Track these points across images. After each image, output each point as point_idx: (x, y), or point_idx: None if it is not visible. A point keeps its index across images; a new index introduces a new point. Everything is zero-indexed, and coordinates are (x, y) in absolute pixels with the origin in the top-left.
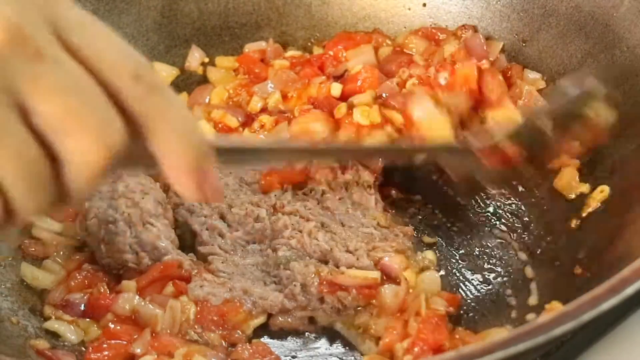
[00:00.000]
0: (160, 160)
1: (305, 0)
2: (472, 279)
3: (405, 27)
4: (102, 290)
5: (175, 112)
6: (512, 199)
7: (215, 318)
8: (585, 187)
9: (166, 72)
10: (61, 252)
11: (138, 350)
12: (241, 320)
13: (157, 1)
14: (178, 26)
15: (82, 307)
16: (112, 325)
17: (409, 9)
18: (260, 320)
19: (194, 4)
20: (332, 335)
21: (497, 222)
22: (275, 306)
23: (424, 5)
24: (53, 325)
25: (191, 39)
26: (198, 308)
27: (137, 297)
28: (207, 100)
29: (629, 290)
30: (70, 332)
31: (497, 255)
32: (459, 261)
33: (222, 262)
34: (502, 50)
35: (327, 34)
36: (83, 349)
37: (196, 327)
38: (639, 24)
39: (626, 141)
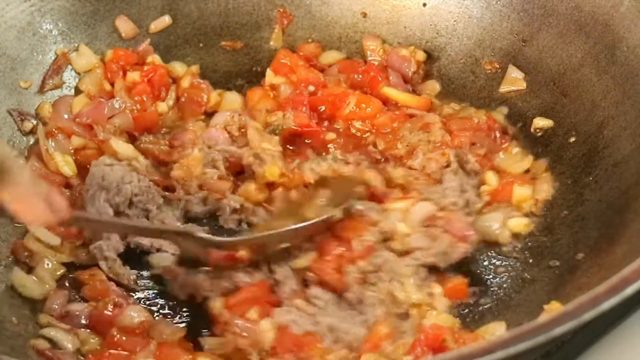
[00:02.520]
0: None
1: (305, 0)
2: (472, 280)
3: (405, 27)
4: (107, 305)
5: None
6: None
7: (292, 347)
8: None
9: (87, 60)
10: (49, 264)
11: None
12: (316, 355)
13: (157, 1)
14: (178, 26)
15: (83, 319)
16: (117, 335)
17: (409, 9)
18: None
19: (195, 4)
20: None
21: None
22: (357, 340)
23: (424, 5)
24: (49, 332)
25: (191, 39)
26: (278, 332)
27: (228, 313)
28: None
29: (629, 290)
30: (66, 340)
31: (497, 256)
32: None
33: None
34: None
35: (327, 33)
36: (80, 357)
37: None
38: (639, 24)
39: (626, 141)
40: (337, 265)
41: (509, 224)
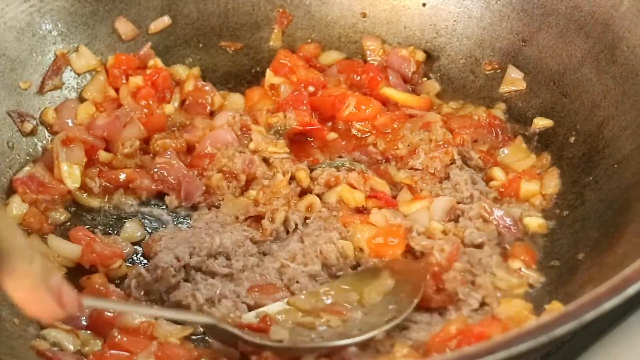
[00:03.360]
0: (3, 279)
1: (305, 1)
2: None
3: (405, 27)
4: None
5: (17, 234)
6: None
7: None
8: None
9: (86, 60)
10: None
11: None
12: None
13: (157, 1)
14: (178, 26)
15: (84, 320)
16: (118, 336)
17: (409, 9)
18: None
19: (194, 4)
20: None
21: None
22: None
23: (424, 5)
24: (50, 333)
25: (191, 39)
26: None
27: None
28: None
29: (631, 290)
30: (67, 341)
31: None
32: None
33: None
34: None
35: (327, 34)
36: (81, 358)
37: None
38: (639, 24)
39: (626, 141)
40: (437, 286)
41: (524, 222)
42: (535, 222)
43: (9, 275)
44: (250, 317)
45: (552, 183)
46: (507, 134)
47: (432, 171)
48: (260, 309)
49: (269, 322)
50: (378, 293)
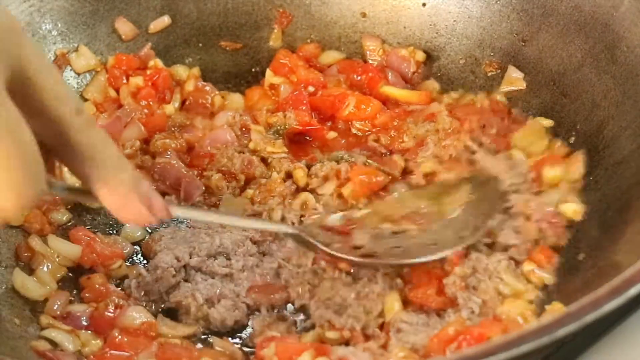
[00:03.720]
0: (98, 187)
1: (305, 1)
2: None
3: (405, 27)
4: (108, 306)
5: (111, 145)
6: None
7: None
8: None
9: (86, 60)
10: (50, 265)
11: None
12: None
13: (156, 1)
14: (178, 26)
15: (84, 320)
16: (118, 336)
17: (409, 9)
18: None
19: (194, 4)
20: None
21: None
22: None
23: (424, 5)
24: (50, 334)
25: (191, 39)
26: None
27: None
28: None
29: (632, 291)
30: (67, 341)
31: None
32: None
33: None
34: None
35: (327, 34)
36: (82, 358)
37: None
38: (639, 24)
39: (626, 141)
40: (438, 288)
41: (561, 208)
42: (571, 208)
43: (104, 184)
44: (335, 219)
45: (574, 168)
46: (512, 118)
47: (450, 159)
48: (346, 212)
49: (352, 227)
50: (458, 206)
